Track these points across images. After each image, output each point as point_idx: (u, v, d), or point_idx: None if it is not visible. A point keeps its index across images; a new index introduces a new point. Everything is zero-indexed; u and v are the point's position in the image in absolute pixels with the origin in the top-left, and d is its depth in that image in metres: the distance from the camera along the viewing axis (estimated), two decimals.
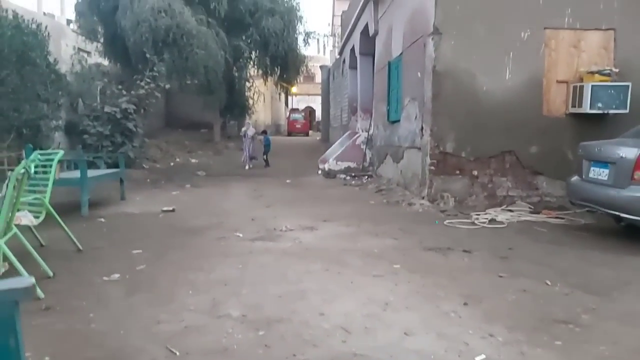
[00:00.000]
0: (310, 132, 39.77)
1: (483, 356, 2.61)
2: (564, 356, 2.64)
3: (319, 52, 37.72)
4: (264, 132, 17.32)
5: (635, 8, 7.13)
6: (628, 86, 6.91)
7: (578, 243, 5.30)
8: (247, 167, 14.87)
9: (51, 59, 11.31)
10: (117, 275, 4.07)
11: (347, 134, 16.02)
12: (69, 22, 20.13)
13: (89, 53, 16.34)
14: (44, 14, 18.50)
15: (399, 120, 9.50)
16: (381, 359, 2.60)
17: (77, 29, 15.94)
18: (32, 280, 1.22)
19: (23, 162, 3.93)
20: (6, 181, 3.81)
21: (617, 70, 7.09)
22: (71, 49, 14.81)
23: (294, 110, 41.82)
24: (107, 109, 11.77)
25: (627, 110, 6.87)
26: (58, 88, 11.57)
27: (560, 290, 3.71)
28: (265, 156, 15.97)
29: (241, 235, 5.66)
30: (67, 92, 12.34)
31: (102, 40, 16.58)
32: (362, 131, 14.04)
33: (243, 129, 16.07)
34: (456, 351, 2.68)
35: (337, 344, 2.77)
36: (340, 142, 15.22)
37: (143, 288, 3.77)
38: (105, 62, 17.34)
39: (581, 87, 6.99)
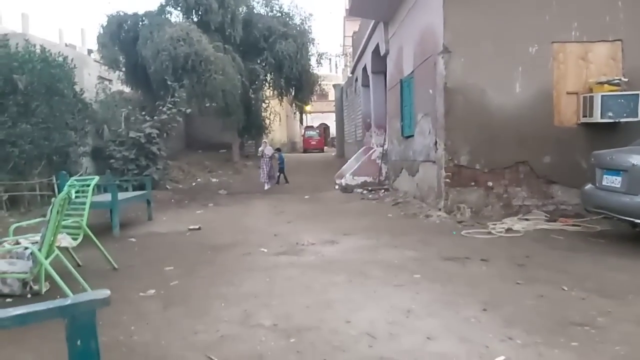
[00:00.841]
0: (325, 148, 40.11)
1: (502, 357, 2.78)
2: (580, 356, 2.79)
3: (331, 71, 38.24)
4: (278, 150, 17.41)
5: None
6: (638, 95, 7.03)
7: (594, 249, 5.42)
8: (266, 186, 14.63)
9: (77, 89, 11.85)
10: (152, 291, 4.33)
11: (362, 149, 16.27)
12: (89, 52, 20.94)
13: (110, 81, 16.99)
14: (66, 45, 19.32)
15: (413, 135, 9.72)
16: None
17: (99, 59, 16.59)
18: (108, 292, 1.46)
19: (66, 188, 4.25)
20: (50, 206, 4.12)
21: (626, 79, 7.23)
22: (94, 78, 15.45)
23: (308, 127, 42.24)
24: (132, 134, 12.25)
25: (638, 118, 6.99)
26: (84, 116, 12.14)
27: (577, 295, 3.86)
28: (281, 174, 16.15)
29: (266, 250, 5.90)
30: (93, 120, 12.89)
31: (123, 68, 17.20)
32: (377, 146, 14.29)
33: (260, 148, 15.85)
34: (477, 354, 2.85)
35: (364, 349, 2.97)
36: (356, 158, 15.48)
37: (178, 302, 4.02)
38: (127, 90, 17.97)
39: (591, 98, 7.14)
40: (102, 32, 16.34)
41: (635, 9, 7.29)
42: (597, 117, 7.05)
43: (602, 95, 7.00)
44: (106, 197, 7.71)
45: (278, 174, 16.12)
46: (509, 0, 7.40)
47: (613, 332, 3.12)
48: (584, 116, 7.31)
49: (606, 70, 7.37)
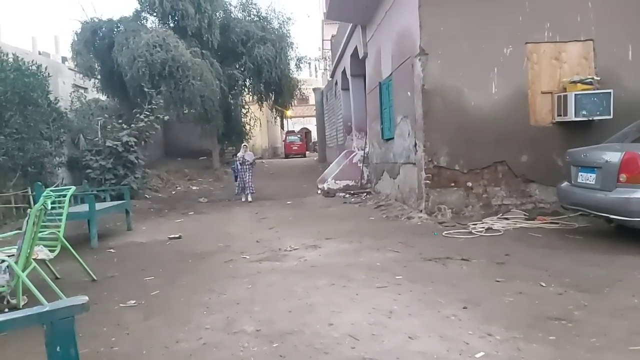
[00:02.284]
0: (307, 152, 40.15)
1: (482, 353, 2.82)
2: (557, 350, 2.84)
3: (311, 75, 38.36)
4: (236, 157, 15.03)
5: (610, 18, 7.48)
6: (610, 93, 7.21)
7: (571, 246, 5.52)
8: (249, 198, 12.57)
9: (52, 98, 11.64)
10: (132, 301, 4.27)
11: (343, 153, 16.33)
12: (64, 59, 20.62)
13: (85, 89, 16.75)
14: (39, 53, 19.00)
15: (393, 138, 9.80)
16: None
17: (74, 67, 16.34)
18: (86, 298, 1.45)
19: (42, 199, 4.17)
20: (26, 218, 4.04)
21: (598, 78, 7.40)
22: (68, 86, 15.20)
23: (290, 132, 42.29)
24: (108, 143, 12.08)
25: (611, 116, 7.14)
26: (60, 126, 11.93)
27: (554, 290, 3.93)
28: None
29: (248, 257, 5.87)
30: (69, 129, 12.68)
31: (99, 76, 16.98)
32: (358, 150, 14.35)
33: (239, 154, 13.35)
34: (457, 350, 2.88)
35: (347, 350, 2.97)
36: (338, 162, 15.52)
37: (159, 311, 3.97)
38: (103, 98, 17.73)
39: (565, 97, 7.29)
40: (76, 39, 16.09)
41: (604, 9, 7.48)
42: (571, 116, 7.20)
43: (576, 94, 7.16)
44: (83, 207, 7.59)
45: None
46: (483, 1, 7.51)
47: (589, 325, 3.18)
48: (559, 115, 7.45)
49: (579, 70, 7.53)
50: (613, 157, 5.30)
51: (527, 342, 2.95)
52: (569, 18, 7.52)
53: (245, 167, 12.75)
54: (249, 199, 12.53)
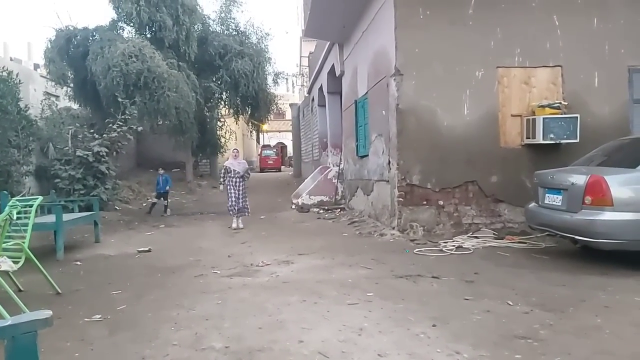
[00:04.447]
0: (283, 167, 40.11)
1: None
2: None
3: (288, 90, 38.52)
4: (163, 169, 13.69)
5: (578, 45, 7.79)
6: (577, 117, 7.48)
7: (538, 265, 5.65)
8: (234, 225, 9.85)
9: (22, 105, 11.37)
10: (98, 316, 4.15)
11: (318, 168, 16.38)
12: (36, 66, 20.20)
13: (57, 97, 16.41)
14: (11, 59, 18.56)
15: (367, 155, 9.90)
16: None
17: (46, 74, 16.01)
18: (50, 312, 1.42)
19: (7, 208, 4.05)
20: None
21: (566, 103, 7.67)
22: (40, 93, 14.88)
23: (265, 146, 42.22)
24: (79, 152, 11.81)
25: (578, 140, 7.40)
26: (29, 134, 11.64)
27: (521, 309, 4.00)
28: (164, 201, 13.00)
29: (219, 272, 5.80)
30: (38, 137, 12.37)
31: (71, 84, 16.66)
32: (333, 166, 14.43)
33: (228, 161, 10.31)
34: None
35: None
36: (313, 177, 15.56)
37: (125, 327, 3.87)
38: (75, 106, 17.39)
39: (534, 120, 7.53)
40: (49, 46, 15.77)
41: (573, 36, 7.78)
42: (539, 139, 7.42)
43: (544, 118, 7.39)
44: (50, 218, 7.40)
45: (164, 200, 12.93)
46: (457, 25, 7.73)
47: (554, 344, 3.25)
48: (528, 137, 7.68)
49: (547, 94, 7.80)
50: (579, 179, 5.45)
51: None
52: (538, 44, 7.80)
53: (235, 179, 9.85)
54: (240, 224, 9.84)
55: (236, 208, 9.77)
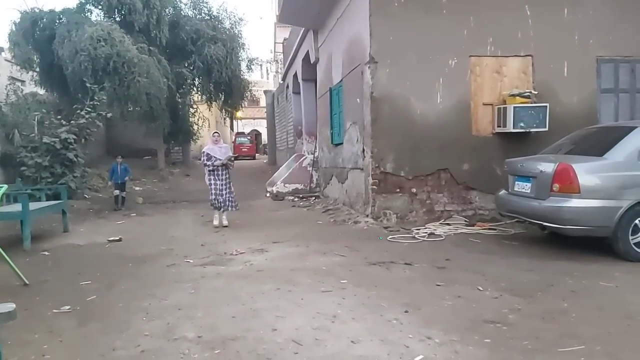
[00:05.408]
0: (257, 155, 39.85)
1: (421, 356, 2.89)
2: (492, 352, 2.96)
3: (262, 77, 38.17)
4: (121, 156, 12.17)
5: (548, 35, 7.90)
6: (546, 107, 7.63)
7: (508, 251, 5.79)
8: (216, 222, 8.49)
9: None
10: (67, 307, 4.07)
11: (293, 156, 16.33)
12: (0, 50, 19.42)
13: (23, 82, 15.85)
14: None
15: (342, 143, 9.90)
16: None
17: (10, 58, 15.43)
18: (13, 305, 1.38)
19: None
20: None
21: (536, 92, 7.81)
22: (4, 78, 14.35)
23: (239, 134, 41.84)
24: (45, 139, 11.43)
25: (547, 129, 7.56)
26: None
27: (491, 294, 4.10)
28: (122, 193, 11.60)
29: (192, 261, 5.74)
30: (3, 124, 11.93)
31: (37, 69, 16.12)
32: (308, 154, 14.41)
33: (207, 147, 8.62)
34: (397, 354, 2.94)
35: (290, 356, 2.96)
36: (287, 165, 15.51)
37: (96, 318, 3.80)
38: (41, 92, 16.83)
39: (504, 109, 7.65)
40: (14, 29, 15.18)
41: (543, 26, 7.90)
42: (510, 127, 7.55)
43: (514, 107, 7.52)
44: (16, 207, 7.17)
45: (121, 193, 11.57)
46: (431, 14, 7.75)
47: (522, 328, 3.34)
48: (499, 126, 7.80)
49: (518, 84, 7.91)
50: (547, 167, 5.59)
51: (464, 345, 3.06)
52: (510, 34, 7.89)
53: (218, 167, 8.35)
54: (224, 221, 8.42)
55: (220, 200, 8.40)
